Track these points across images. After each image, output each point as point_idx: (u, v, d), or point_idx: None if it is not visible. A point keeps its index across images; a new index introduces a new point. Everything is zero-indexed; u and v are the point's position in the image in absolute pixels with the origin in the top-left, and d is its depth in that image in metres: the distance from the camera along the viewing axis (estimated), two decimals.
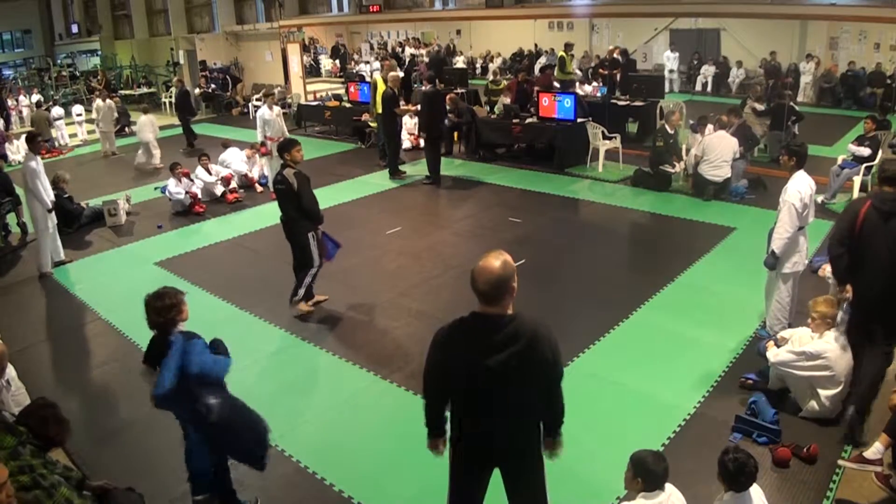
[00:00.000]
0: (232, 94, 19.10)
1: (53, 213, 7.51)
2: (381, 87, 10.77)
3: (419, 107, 10.74)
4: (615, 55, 15.96)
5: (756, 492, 3.11)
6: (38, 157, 7.39)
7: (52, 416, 3.33)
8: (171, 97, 20.06)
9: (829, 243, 4.32)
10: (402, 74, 12.69)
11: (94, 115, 14.11)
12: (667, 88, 15.52)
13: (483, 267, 2.50)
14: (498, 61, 21.22)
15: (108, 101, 13.97)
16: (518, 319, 2.53)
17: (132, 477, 3.92)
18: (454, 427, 2.77)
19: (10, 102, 18.64)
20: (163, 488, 3.92)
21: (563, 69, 14.40)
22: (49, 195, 7.41)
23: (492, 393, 2.58)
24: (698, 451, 4.02)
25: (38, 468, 3.07)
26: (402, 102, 10.88)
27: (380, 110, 10.89)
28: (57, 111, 15.87)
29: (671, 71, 18.04)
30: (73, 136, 15.99)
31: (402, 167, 10.96)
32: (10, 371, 4.54)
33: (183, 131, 14.25)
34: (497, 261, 2.50)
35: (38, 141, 7.59)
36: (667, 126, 9.53)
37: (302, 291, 6.06)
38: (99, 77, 21.77)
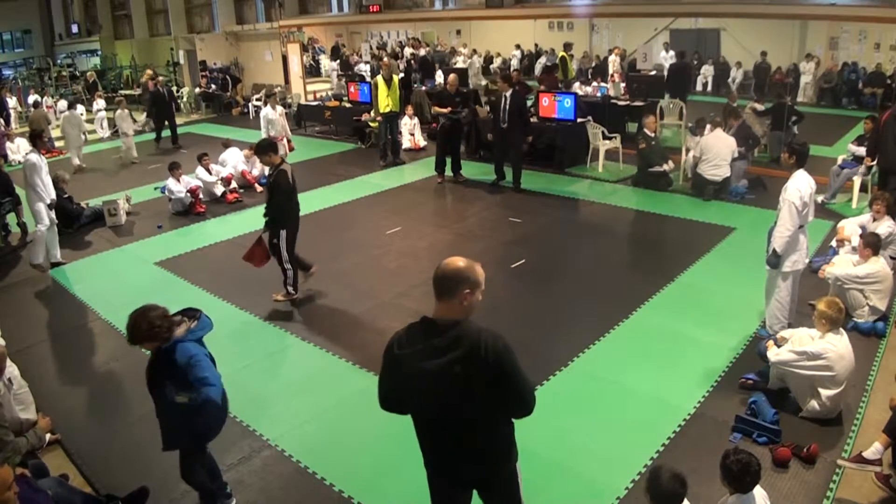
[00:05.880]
0: (232, 94, 19.10)
1: (53, 211, 7.54)
2: (381, 88, 10.76)
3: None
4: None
5: (759, 493, 3.11)
6: (41, 154, 7.45)
7: None
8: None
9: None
10: (403, 74, 12.66)
11: (54, 124, 12.16)
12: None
13: (447, 261, 2.47)
14: (498, 61, 21.24)
15: (71, 110, 13.25)
16: (463, 325, 2.41)
17: (132, 477, 3.93)
18: (422, 449, 2.69)
19: (39, 100, 17.61)
20: (163, 488, 3.92)
21: (566, 72, 14.29)
22: (50, 192, 7.47)
23: (442, 406, 2.48)
24: (698, 451, 4.03)
25: None
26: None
27: (382, 110, 10.89)
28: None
29: None
30: None
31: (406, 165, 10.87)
32: (13, 370, 4.55)
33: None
34: (462, 261, 2.46)
35: (42, 138, 7.65)
36: (646, 130, 9.60)
37: None
38: (144, 75, 20.89)
